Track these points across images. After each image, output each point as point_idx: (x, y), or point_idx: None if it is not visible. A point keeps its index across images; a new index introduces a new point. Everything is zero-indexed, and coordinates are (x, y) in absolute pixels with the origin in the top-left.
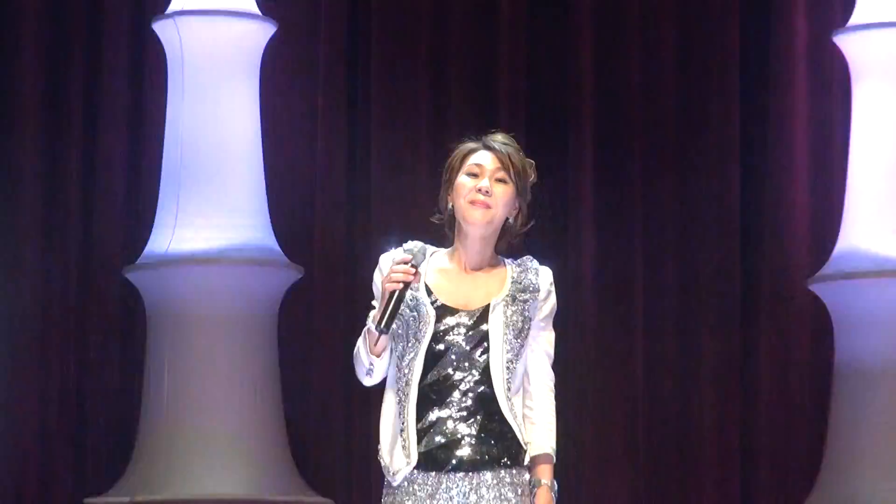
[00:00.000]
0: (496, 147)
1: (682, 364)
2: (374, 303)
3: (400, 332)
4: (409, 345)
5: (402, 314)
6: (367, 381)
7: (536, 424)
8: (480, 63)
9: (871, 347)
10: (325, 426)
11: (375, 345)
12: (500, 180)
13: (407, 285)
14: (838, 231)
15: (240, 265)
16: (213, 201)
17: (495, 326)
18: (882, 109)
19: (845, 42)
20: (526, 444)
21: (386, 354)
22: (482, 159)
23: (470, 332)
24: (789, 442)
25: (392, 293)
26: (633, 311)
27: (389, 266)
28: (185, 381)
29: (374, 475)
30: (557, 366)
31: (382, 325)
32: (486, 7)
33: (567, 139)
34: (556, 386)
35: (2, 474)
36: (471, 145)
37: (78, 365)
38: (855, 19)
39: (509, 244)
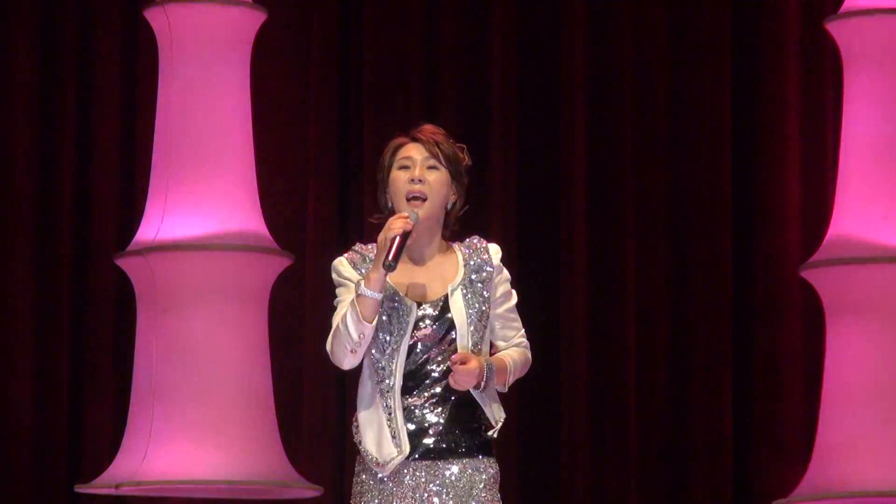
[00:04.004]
0: (423, 137)
1: (674, 352)
2: (338, 296)
3: (377, 324)
4: (392, 336)
5: (382, 304)
6: (349, 361)
7: (499, 353)
8: (473, 49)
9: (863, 334)
10: (315, 413)
11: (370, 308)
12: (431, 167)
13: (407, 235)
14: (830, 217)
15: (228, 251)
16: (202, 188)
17: (458, 313)
18: (874, 96)
19: (837, 28)
20: (496, 423)
21: (375, 322)
22: (411, 151)
23: (437, 323)
24: (781, 430)
25: (394, 238)
26: (624, 299)
27: (345, 270)
28: (173, 366)
29: None
30: (548, 356)
31: (391, 260)
32: None
33: (558, 127)
34: (545, 372)
35: None
36: (399, 140)
37: (72, 353)
38: (847, 6)
39: (451, 230)
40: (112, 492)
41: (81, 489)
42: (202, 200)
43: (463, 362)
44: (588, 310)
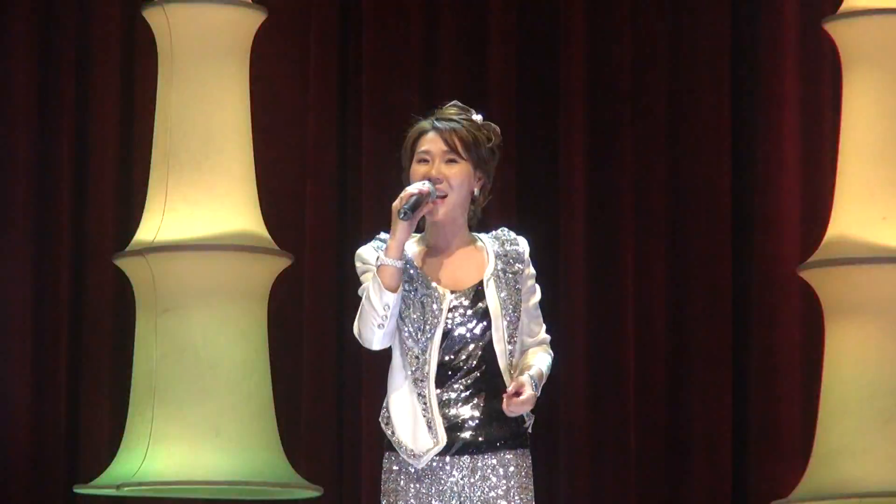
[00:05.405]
0: (442, 127)
1: (673, 352)
2: (363, 283)
3: (409, 314)
4: (426, 325)
5: (414, 293)
6: (378, 338)
7: (528, 357)
8: (472, 50)
9: (861, 334)
10: (315, 413)
11: (390, 276)
12: (450, 161)
13: (424, 196)
14: (829, 218)
15: (228, 252)
16: (201, 188)
17: (493, 303)
18: (872, 96)
19: (836, 29)
20: (529, 416)
21: (399, 292)
22: (429, 144)
23: (470, 312)
24: (780, 430)
25: (410, 194)
26: (623, 298)
27: (369, 256)
28: (173, 366)
29: (364, 463)
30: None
31: (406, 208)
32: None
33: (557, 126)
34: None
35: None
36: (420, 127)
37: (70, 354)
38: (846, 6)
39: (478, 217)
40: (113, 492)
41: (81, 490)
42: (202, 200)
43: (517, 393)
44: (588, 310)
